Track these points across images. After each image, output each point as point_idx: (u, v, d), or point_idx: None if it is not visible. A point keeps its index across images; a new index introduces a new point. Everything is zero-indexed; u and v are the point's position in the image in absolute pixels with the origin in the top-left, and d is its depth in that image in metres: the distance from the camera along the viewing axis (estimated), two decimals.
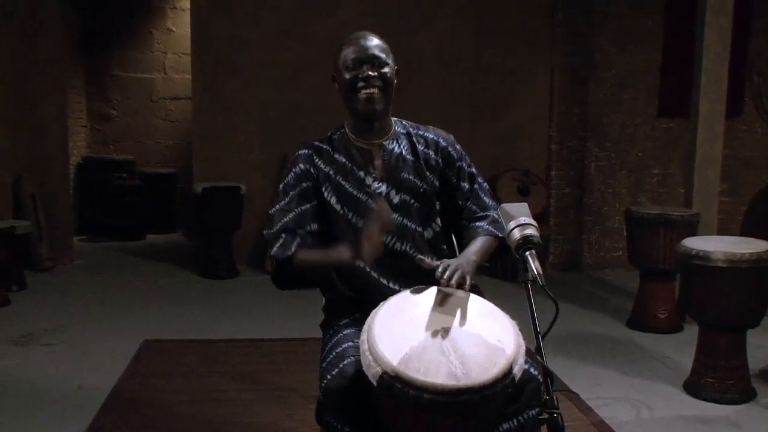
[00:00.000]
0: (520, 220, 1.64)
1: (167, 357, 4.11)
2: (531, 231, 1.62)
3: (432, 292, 2.13)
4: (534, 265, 1.58)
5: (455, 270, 2.07)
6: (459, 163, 2.38)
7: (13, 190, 6.18)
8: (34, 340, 4.39)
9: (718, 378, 3.60)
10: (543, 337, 1.56)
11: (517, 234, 1.63)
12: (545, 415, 1.52)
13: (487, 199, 2.42)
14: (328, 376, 2.02)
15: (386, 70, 2.24)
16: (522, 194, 6.50)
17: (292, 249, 2.19)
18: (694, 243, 3.66)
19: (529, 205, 6.24)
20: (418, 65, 6.60)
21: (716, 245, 3.58)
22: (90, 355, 4.13)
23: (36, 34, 6.28)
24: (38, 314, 4.93)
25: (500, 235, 2.31)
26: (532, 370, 2.09)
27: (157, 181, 8.42)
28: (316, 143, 2.35)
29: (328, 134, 2.37)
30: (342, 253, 2.09)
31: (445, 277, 2.06)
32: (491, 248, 2.34)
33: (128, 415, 3.31)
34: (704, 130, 4.88)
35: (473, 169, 2.42)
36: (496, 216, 2.37)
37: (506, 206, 1.71)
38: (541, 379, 2.10)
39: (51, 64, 6.37)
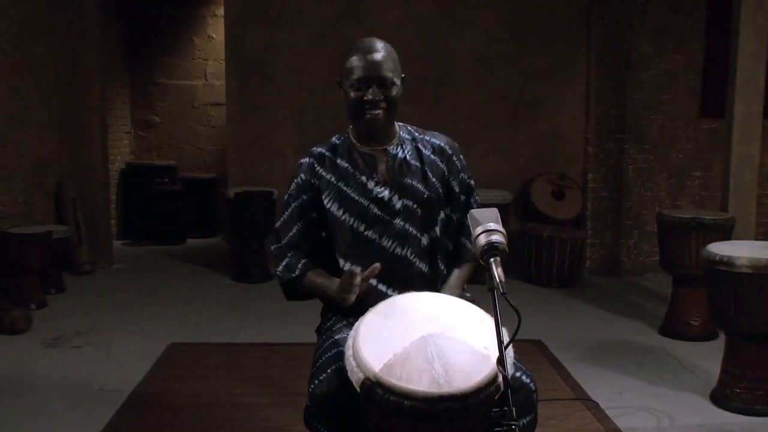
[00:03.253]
0: (487, 226, 1.60)
1: (190, 360, 4.18)
2: (497, 237, 1.58)
3: (422, 297, 2.11)
4: (497, 272, 1.53)
5: None
6: (462, 174, 2.37)
7: (56, 196, 6.37)
8: (65, 341, 4.50)
9: (745, 388, 3.46)
10: (506, 348, 1.51)
11: (482, 240, 1.59)
12: (502, 427, 1.48)
13: None
14: (316, 382, 2.04)
15: (393, 92, 2.21)
16: (557, 198, 6.40)
17: (296, 272, 2.30)
18: (719, 248, 3.53)
19: (564, 209, 6.09)
20: (453, 68, 6.57)
21: (742, 250, 3.45)
22: (115, 358, 4.22)
23: (77, 44, 6.47)
24: (72, 317, 5.06)
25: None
26: (524, 378, 2.05)
27: (198, 185, 8.57)
28: (319, 150, 2.36)
29: (332, 140, 2.39)
30: (333, 289, 2.19)
31: None
32: (472, 273, 2.39)
33: (144, 417, 3.37)
34: (740, 131, 4.73)
35: (472, 182, 2.41)
36: None
37: (474, 212, 1.68)
38: (533, 387, 2.07)
39: (92, 73, 6.55)
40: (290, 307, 5.36)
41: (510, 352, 1.93)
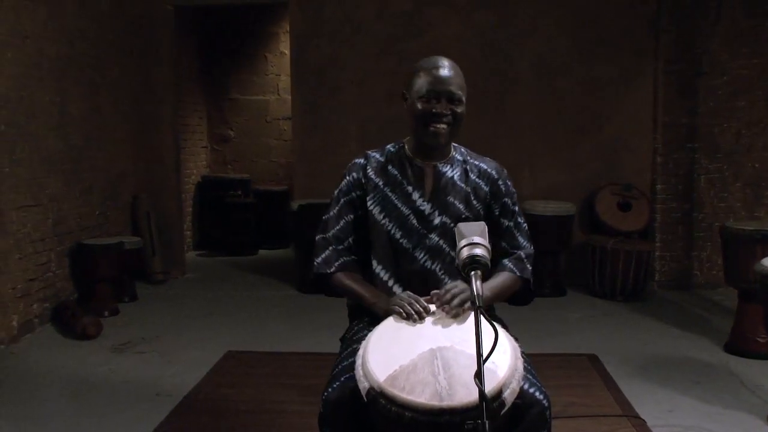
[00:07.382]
0: (471, 239, 1.62)
1: (243, 368, 4.30)
2: (479, 251, 1.60)
3: (436, 310, 2.13)
4: (476, 286, 1.55)
5: (457, 295, 2.06)
6: (505, 199, 2.40)
7: (131, 209, 6.69)
8: (131, 347, 4.72)
9: None
10: (484, 362, 1.52)
11: (465, 253, 1.61)
12: None
13: (521, 239, 2.43)
14: (330, 389, 2.09)
15: (459, 109, 2.27)
16: (622, 209, 6.24)
17: (332, 268, 2.37)
18: None
19: (630, 221, 5.93)
20: (515, 79, 6.53)
21: None
22: (175, 364, 4.39)
23: (152, 64, 6.80)
24: (140, 324, 5.30)
25: (520, 275, 2.37)
26: (537, 394, 2.03)
27: (270, 198, 8.80)
28: (373, 153, 2.45)
29: (388, 147, 2.46)
30: (378, 302, 2.24)
31: (444, 299, 2.07)
32: (510, 288, 2.37)
33: (191, 421, 3.50)
34: None
35: (516, 207, 2.43)
36: (523, 255, 2.39)
37: (461, 225, 1.70)
38: (546, 404, 2.04)
39: (165, 92, 6.87)
40: (347, 319, 5.48)
41: (519, 367, 1.92)
